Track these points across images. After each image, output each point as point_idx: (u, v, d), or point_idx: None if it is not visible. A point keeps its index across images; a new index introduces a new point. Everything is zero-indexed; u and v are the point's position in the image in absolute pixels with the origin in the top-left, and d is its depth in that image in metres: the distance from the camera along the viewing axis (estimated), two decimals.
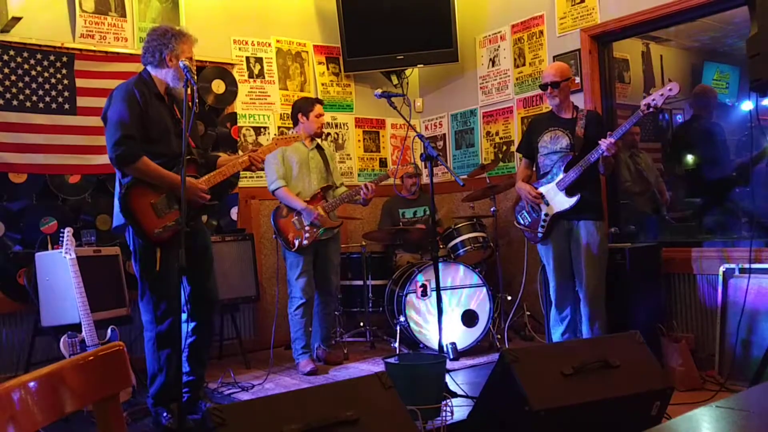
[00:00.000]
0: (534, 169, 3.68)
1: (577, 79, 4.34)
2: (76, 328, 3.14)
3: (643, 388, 2.25)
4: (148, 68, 2.99)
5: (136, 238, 2.88)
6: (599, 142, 3.25)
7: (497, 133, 5.05)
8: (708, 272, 3.60)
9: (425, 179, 5.22)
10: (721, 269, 3.47)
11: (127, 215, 2.84)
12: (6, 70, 3.75)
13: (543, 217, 3.50)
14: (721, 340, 3.42)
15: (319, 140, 4.09)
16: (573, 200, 3.38)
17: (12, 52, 3.78)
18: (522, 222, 3.66)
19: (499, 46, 4.99)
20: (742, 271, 3.39)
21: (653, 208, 4.47)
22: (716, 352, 3.43)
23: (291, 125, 4.22)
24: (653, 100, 3.14)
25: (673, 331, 3.64)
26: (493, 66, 5.04)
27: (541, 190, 3.50)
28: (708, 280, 3.61)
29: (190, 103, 2.85)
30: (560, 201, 3.43)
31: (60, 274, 3.25)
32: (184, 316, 3.06)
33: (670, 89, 3.12)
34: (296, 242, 3.85)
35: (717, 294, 3.48)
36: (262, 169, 3.58)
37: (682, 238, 4.05)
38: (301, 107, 4.02)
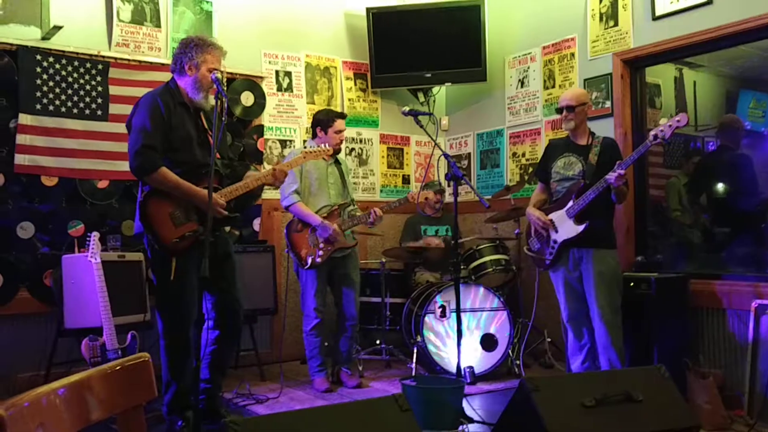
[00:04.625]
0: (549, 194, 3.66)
1: (608, 104, 4.31)
2: (98, 331, 3.17)
3: (666, 425, 2.19)
4: (174, 77, 3.02)
5: (153, 246, 2.89)
6: (608, 174, 3.22)
7: (524, 155, 5.03)
8: (738, 307, 3.50)
9: (449, 197, 5.21)
10: (754, 305, 3.37)
11: (144, 223, 2.85)
12: (45, 76, 3.85)
13: (551, 244, 3.46)
14: (752, 378, 3.30)
15: (338, 155, 4.00)
16: (581, 228, 3.33)
17: (51, 59, 3.87)
18: (531, 248, 3.62)
19: (528, 67, 4.98)
20: None
21: (702, 238, 4.37)
22: (746, 392, 3.31)
23: (310, 138, 4.14)
24: (661, 131, 3.11)
25: (699, 366, 3.54)
26: (521, 87, 5.03)
27: (552, 216, 3.47)
28: (738, 316, 3.50)
29: (220, 114, 2.87)
30: (569, 228, 3.38)
31: (85, 278, 3.29)
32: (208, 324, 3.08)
33: (678, 120, 3.08)
34: (309, 259, 3.76)
35: (748, 330, 3.37)
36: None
37: (711, 270, 3.94)
38: (321, 121, 3.92)
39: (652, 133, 3.15)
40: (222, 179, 3.00)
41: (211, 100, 2.99)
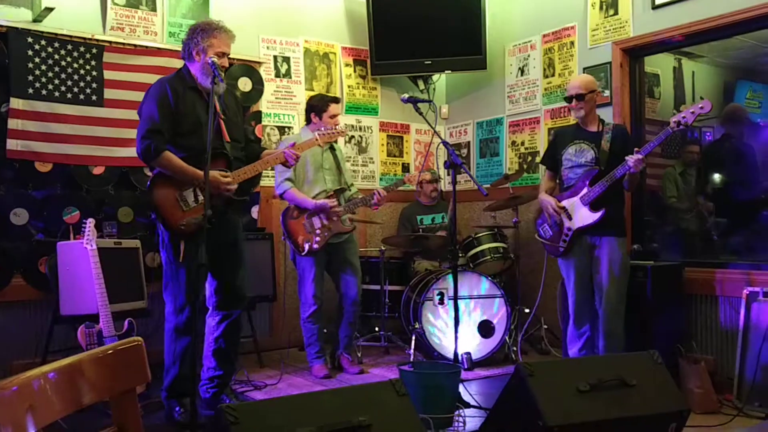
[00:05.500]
0: (557, 181, 3.64)
1: (606, 93, 4.29)
2: (94, 318, 3.16)
3: (659, 408, 2.22)
4: (186, 63, 3.05)
5: (163, 228, 2.93)
6: (626, 158, 3.21)
7: (523, 143, 5.01)
8: (731, 294, 3.53)
9: (446, 186, 5.20)
10: (745, 292, 3.39)
11: (153, 207, 2.92)
12: (37, 60, 3.80)
13: (565, 231, 3.45)
14: (741, 364, 3.35)
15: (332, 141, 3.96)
16: (597, 215, 3.33)
17: (43, 42, 3.83)
18: (543, 235, 3.61)
19: (528, 56, 4.95)
20: (766, 295, 3.31)
21: (698, 226, 4.38)
22: (735, 376, 3.36)
23: (305, 125, 4.12)
24: (683, 117, 3.09)
25: (692, 352, 3.58)
26: (521, 75, 5.00)
27: (564, 203, 3.46)
28: (731, 303, 3.53)
29: (216, 99, 2.87)
30: (584, 215, 3.38)
31: (80, 264, 3.28)
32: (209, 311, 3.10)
33: (702, 107, 3.07)
34: (306, 246, 3.75)
35: (739, 317, 3.41)
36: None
37: (706, 258, 3.97)
38: (315, 106, 3.92)
39: (674, 119, 3.13)
40: (230, 162, 3.01)
41: (223, 85, 3.03)
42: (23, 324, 3.74)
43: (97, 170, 4.03)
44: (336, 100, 3.99)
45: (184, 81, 2.99)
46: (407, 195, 4.96)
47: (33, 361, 3.54)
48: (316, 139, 3.32)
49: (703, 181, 4.40)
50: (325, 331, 3.99)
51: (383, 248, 4.49)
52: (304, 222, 3.80)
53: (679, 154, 4.61)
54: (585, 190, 3.37)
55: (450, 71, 5.32)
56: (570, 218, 3.43)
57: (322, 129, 3.39)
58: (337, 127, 3.50)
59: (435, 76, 5.48)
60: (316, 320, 3.87)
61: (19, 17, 3.79)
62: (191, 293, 2.90)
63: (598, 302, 3.39)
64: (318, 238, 3.76)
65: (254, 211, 4.69)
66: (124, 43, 4.12)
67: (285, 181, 3.81)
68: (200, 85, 2.99)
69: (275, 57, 4.86)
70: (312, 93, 4.90)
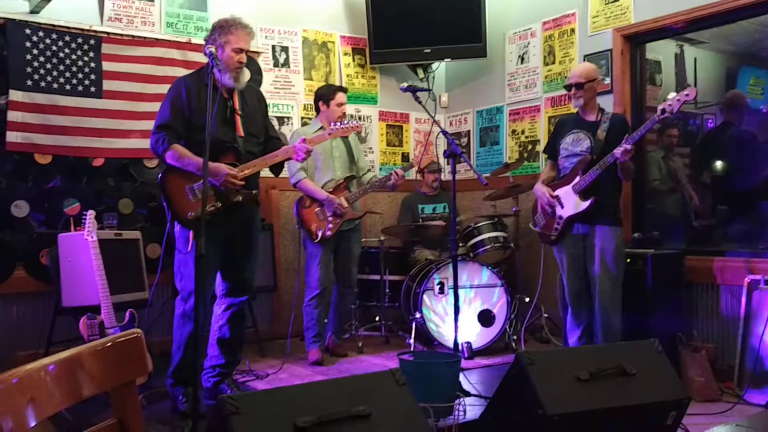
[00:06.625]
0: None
1: (607, 80, 4.26)
2: (96, 309, 3.17)
3: (659, 397, 2.22)
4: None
5: (173, 219, 2.99)
6: (614, 151, 3.21)
7: (523, 132, 4.99)
8: (732, 282, 3.53)
9: (446, 175, 5.19)
10: (746, 280, 3.39)
11: (164, 197, 2.98)
12: (35, 51, 3.79)
13: (557, 219, 3.46)
14: (742, 352, 3.36)
15: None
16: (586, 204, 3.33)
17: (41, 33, 3.81)
18: (537, 224, 3.63)
19: (529, 43, 4.92)
20: (767, 282, 3.31)
21: (680, 210, 4.39)
22: (736, 365, 3.37)
23: (315, 116, 4.18)
24: (669, 105, 3.08)
25: (692, 340, 3.58)
26: (522, 63, 4.98)
27: (558, 192, 3.47)
28: (731, 291, 3.54)
29: (214, 90, 2.88)
30: (574, 204, 3.38)
31: (81, 256, 3.29)
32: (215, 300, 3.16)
33: (687, 94, 3.05)
34: (319, 233, 3.84)
35: (740, 305, 3.41)
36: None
37: (707, 247, 3.96)
38: (323, 95, 4.00)
39: (660, 107, 3.12)
40: (241, 156, 3.03)
41: (242, 80, 3.07)
42: (26, 315, 3.76)
43: (97, 162, 4.03)
44: (343, 89, 4.06)
45: (201, 78, 3.03)
46: (409, 185, 4.95)
47: (36, 352, 3.56)
48: (329, 134, 3.34)
49: (700, 168, 4.37)
50: (325, 321, 4.02)
51: (383, 238, 4.50)
52: (317, 210, 3.89)
53: (656, 138, 4.59)
54: (577, 179, 3.38)
55: (450, 59, 5.29)
56: (562, 207, 3.44)
57: (338, 125, 3.41)
58: (351, 122, 3.52)
59: (434, 65, 5.46)
60: (317, 304, 3.91)
61: (16, 9, 3.78)
62: (199, 282, 2.93)
63: (592, 291, 3.39)
64: (331, 225, 3.85)
65: None
66: (122, 34, 4.11)
67: (299, 171, 3.88)
68: (218, 81, 3.00)
69: (273, 47, 4.84)
70: (311, 82, 4.91)
